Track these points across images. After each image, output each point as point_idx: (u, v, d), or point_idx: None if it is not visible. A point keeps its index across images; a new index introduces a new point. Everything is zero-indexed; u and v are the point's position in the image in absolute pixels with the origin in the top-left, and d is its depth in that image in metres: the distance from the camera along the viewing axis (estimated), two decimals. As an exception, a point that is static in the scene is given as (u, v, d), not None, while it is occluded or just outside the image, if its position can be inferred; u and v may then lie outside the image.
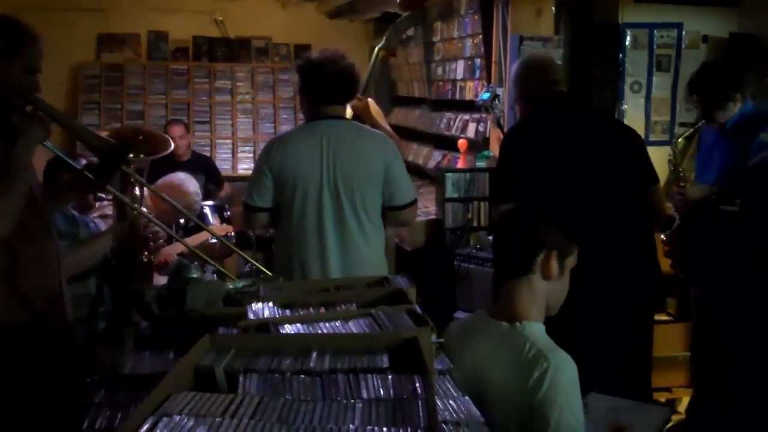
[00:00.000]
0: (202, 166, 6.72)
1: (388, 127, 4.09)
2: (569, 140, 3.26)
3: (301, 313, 1.88)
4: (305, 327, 1.74)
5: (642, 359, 3.43)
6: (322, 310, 1.90)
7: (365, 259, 3.30)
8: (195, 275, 2.51)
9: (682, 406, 4.24)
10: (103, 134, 3.69)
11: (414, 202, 3.42)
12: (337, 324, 1.74)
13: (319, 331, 1.71)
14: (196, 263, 2.58)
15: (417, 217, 3.87)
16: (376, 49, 4.51)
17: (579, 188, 3.15)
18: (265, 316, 1.84)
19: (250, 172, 7.88)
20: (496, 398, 1.96)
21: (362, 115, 3.99)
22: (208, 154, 7.84)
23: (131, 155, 3.46)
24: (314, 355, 1.53)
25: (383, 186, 3.30)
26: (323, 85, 3.29)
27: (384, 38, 4.45)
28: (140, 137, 3.61)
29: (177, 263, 2.56)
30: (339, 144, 3.24)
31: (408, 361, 1.50)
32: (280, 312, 1.87)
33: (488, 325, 2.11)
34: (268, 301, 1.94)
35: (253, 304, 1.92)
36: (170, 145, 3.89)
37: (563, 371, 1.92)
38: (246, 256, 3.44)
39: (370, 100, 4.14)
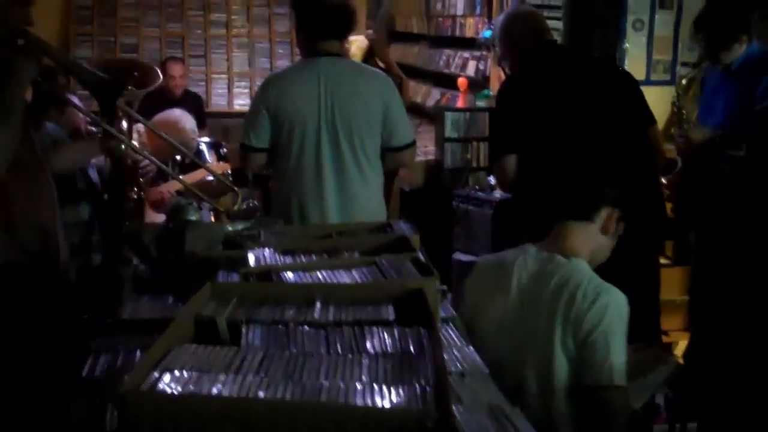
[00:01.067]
0: (194, 105, 6.65)
1: (395, 66, 4.02)
2: (568, 88, 3.25)
3: (303, 259, 1.84)
4: (308, 275, 1.70)
5: (651, 301, 3.42)
6: (325, 256, 1.87)
7: (363, 199, 3.27)
8: (193, 217, 2.48)
9: (679, 350, 4.26)
10: (94, 65, 3.64)
11: (413, 143, 3.37)
12: (341, 272, 1.71)
13: (322, 280, 1.68)
14: (193, 203, 2.52)
15: (416, 156, 3.83)
16: None
17: (581, 134, 3.15)
18: (267, 262, 1.80)
19: (246, 108, 7.87)
20: (541, 330, 2.08)
21: (377, 48, 3.91)
22: (204, 89, 7.73)
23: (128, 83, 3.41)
24: (318, 305, 1.50)
25: (382, 126, 3.24)
26: (319, 19, 3.20)
27: None
28: (134, 70, 3.55)
29: (174, 203, 2.51)
30: (337, 83, 3.17)
31: (413, 313, 1.47)
32: (281, 259, 1.84)
33: (539, 257, 2.20)
34: (269, 247, 1.90)
35: (253, 250, 1.89)
36: (159, 78, 3.82)
37: (622, 305, 2.09)
38: (240, 193, 3.37)
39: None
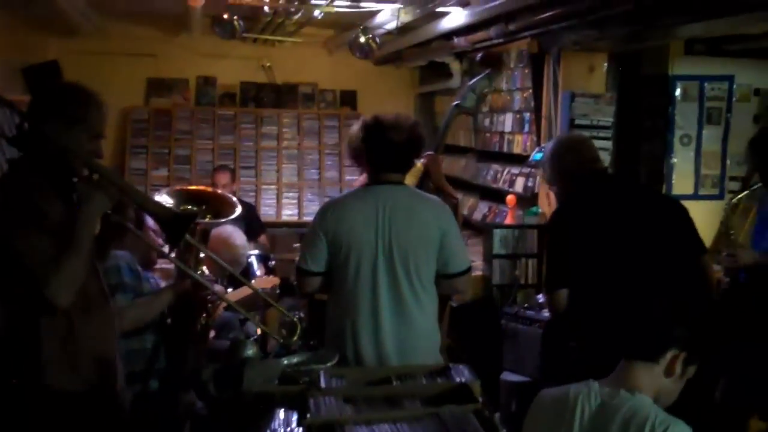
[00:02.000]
0: (245, 214, 6.75)
1: (449, 187, 4.06)
2: (618, 219, 3.30)
3: (365, 409, 1.83)
4: (370, 429, 1.69)
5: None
6: (385, 407, 1.85)
7: (418, 324, 3.25)
8: (251, 352, 2.50)
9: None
10: (169, 195, 3.75)
11: (468, 270, 3.37)
12: (404, 426, 1.69)
13: (386, 436, 1.67)
14: (251, 340, 2.55)
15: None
16: (453, 106, 4.44)
17: (633, 266, 3.18)
18: (329, 413, 1.79)
19: (294, 218, 8.05)
20: None
21: (432, 172, 3.97)
22: (253, 200, 7.88)
23: (195, 212, 3.49)
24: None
25: (438, 253, 3.26)
26: (386, 155, 3.24)
27: (464, 97, 4.36)
28: (205, 200, 3.65)
29: (233, 340, 2.54)
30: (395, 210, 3.21)
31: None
32: (343, 408, 1.83)
33: (603, 392, 2.17)
34: (330, 395, 1.90)
35: (314, 399, 1.88)
36: (237, 209, 3.92)
37: None
38: (278, 307, 3.39)
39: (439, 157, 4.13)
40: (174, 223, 2.53)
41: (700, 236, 3.45)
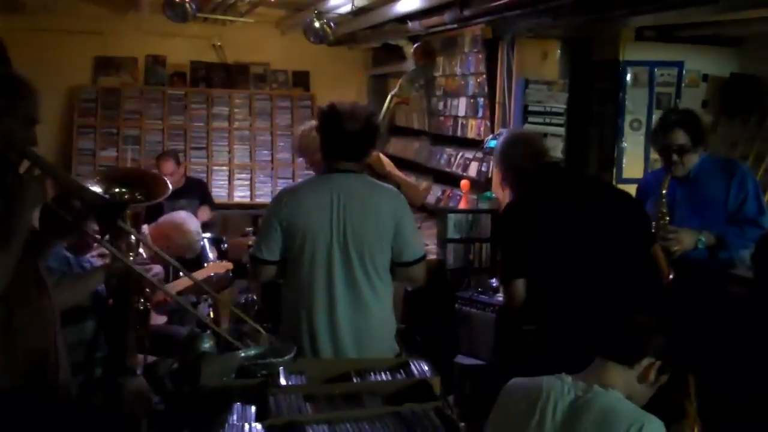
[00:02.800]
0: (197, 191, 6.72)
1: (401, 175, 4.06)
2: (576, 210, 3.34)
3: (325, 407, 1.83)
4: (332, 429, 1.69)
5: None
6: (345, 404, 1.86)
7: (375, 315, 3.27)
8: (207, 345, 2.47)
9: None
10: (99, 177, 3.68)
11: (423, 258, 3.39)
12: (365, 426, 1.70)
13: (348, 435, 1.67)
14: (208, 332, 2.52)
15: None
16: (389, 96, 4.51)
17: (589, 258, 3.23)
18: (290, 412, 1.79)
19: (246, 200, 7.98)
20: None
21: (375, 166, 3.96)
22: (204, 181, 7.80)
23: (127, 198, 3.44)
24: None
25: (393, 242, 3.27)
26: (339, 143, 3.25)
27: (398, 86, 4.46)
28: (136, 181, 3.60)
29: (189, 333, 2.51)
30: (349, 199, 3.21)
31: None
32: (303, 407, 1.83)
33: (575, 387, 2.22)
34: (290, 393, 1.89)
35: (275, 396, 1.88)
36: (168, 190, 3.86)
37: (660, 429, 2.10)
38: (243, 316, 3.38)
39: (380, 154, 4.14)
40: (106, 211, 2.50)
41: (651, 226, 3.54)
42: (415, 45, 4.95)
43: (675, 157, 3.75)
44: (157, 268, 3.85)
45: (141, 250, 3.82)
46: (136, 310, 3.55)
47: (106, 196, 3.16)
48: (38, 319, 2.47)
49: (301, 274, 3.24)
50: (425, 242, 5.69)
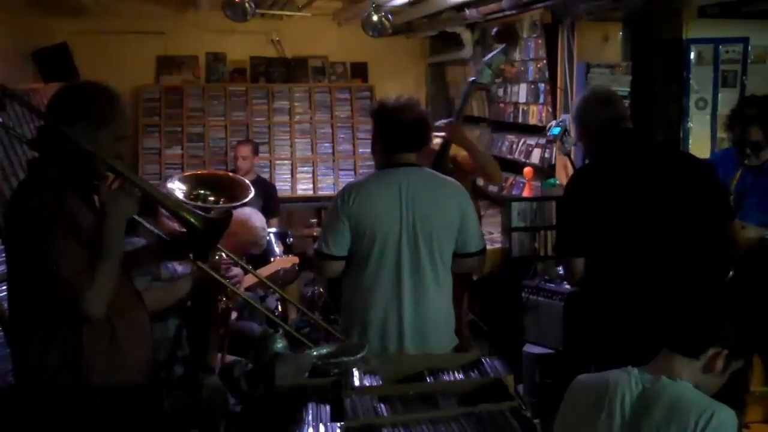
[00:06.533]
0: (262, 192, 6.77)
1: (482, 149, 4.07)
2: (645, 185, 3.14)
3: (400, 408, 1.84)
4: (408, 431, 1.71)
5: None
6: (420, 405, 1.87)
7: (439, 308, 3.31)
8: (280, 345, 2.51)
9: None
10: (181, 182, 3.73)
11: (483, 250, 3.40)
12: (442, 428, 1.71)
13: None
14: (280, 331, 2.56)
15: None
16: (469, 81, 4.39)
17: (657, 234, 3.08)
18: (366, 415, 1.81)
19: (309, 192, 8.03)
20: None
21: (457, 142, 4.00)
22: (267, 175, 7.88)
23: (212, 200, 3.48)
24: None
25: (457, 233, 3.29)
26: (398, 134, 3.28)
27: (480, 72, 4.30)
28: (218, 184, 3.65)
29: (262, 334, 2.55)
30: (417, 192, 3.23)
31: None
32: (379, 408, 1.84)
33: (642, 379, 2.21)
34: (365, 394, 1.91)
35: (349, 399, 1.90)
36: (250, 191, 3.92)
37: (732, 422, 2.09)
38: (311, 316, 3.41)
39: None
40: (207, 233, 2.51)
41: (729, 200, 3.35)
42: (495, 29, 4.81)
43: (749, 151, 3.68)
44: (237, 270, 3.90)
45: (222, 254, 3.87)
46: (219, 310, 3.61)
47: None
48: (137, 330, 2.53)
49: (368, 268, 3.26)
50: (490, 231, 5.69)
